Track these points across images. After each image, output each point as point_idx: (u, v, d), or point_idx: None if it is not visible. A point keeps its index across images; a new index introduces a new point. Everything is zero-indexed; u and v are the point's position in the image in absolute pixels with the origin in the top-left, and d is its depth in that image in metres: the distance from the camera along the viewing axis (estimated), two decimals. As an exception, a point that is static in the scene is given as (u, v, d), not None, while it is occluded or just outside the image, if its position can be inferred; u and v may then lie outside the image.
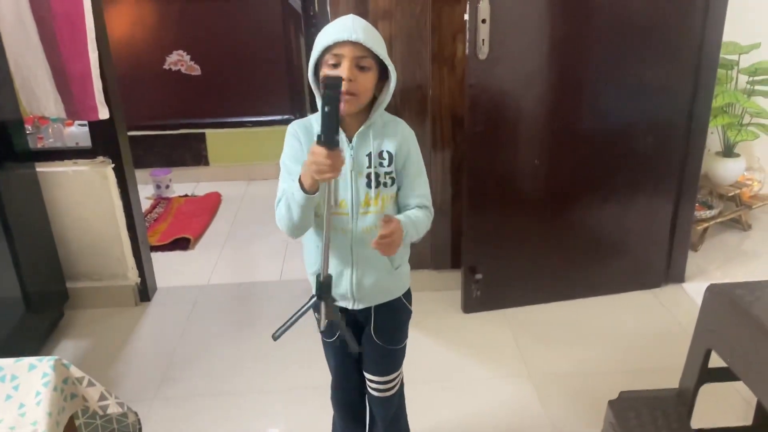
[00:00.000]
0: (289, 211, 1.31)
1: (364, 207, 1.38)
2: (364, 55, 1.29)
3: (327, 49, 1.29)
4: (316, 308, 1.34)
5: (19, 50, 2.25)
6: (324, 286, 1.32)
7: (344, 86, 1.25)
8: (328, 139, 1.17)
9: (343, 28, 1.28)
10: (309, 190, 1.25)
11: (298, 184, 1.26)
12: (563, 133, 2.42)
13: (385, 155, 1.38)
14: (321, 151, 1.17)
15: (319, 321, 1.36)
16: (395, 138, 1.39)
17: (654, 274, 2.71)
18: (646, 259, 2.68)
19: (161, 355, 2.39)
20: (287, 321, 1.36)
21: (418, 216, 1.40)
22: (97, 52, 2.25)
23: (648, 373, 2.17)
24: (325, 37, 1.30)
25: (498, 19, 2.15)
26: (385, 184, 1.39)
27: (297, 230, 1.37)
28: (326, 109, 1.16)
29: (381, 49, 1.31)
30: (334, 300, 1.35)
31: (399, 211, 1.44)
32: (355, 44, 1.27)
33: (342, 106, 1.26)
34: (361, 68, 1.30)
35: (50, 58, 2.26)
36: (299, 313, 1.35)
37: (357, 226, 1.39)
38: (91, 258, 2.63)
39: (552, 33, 2.28)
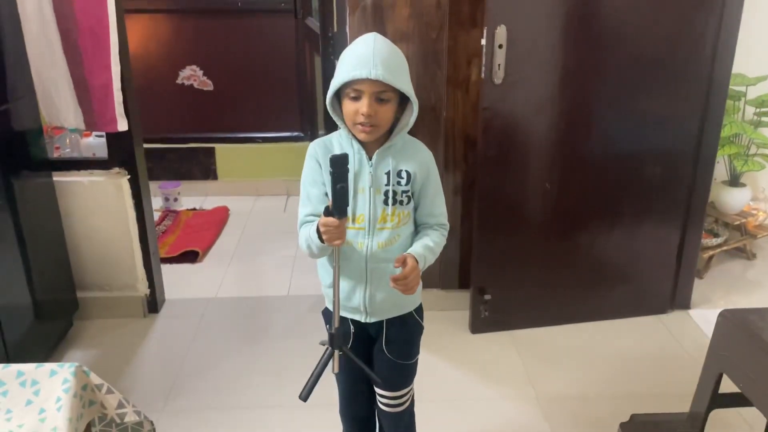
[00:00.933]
0: (310, 249, 1.40)
1: (381, 223, 1.42)
2: (384, 90, 1.31)
3: (347, 82, 1.32)
4: (329, 358, 1.39)
5: (42, 62, 2.29)
6: (336, 337, 1.36)
7: (364, 120, 1.32)
8: (338, 213, 1.25)
9: (363, 62, 1.29)
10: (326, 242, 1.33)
11: (316, 232, 1.33)
12: (573, 159, 2.45)
13: (404, 174, 1.42)
14: (332, 221, 1.25)
15: (333, 364, 1.40)
16: (414, 159, 1.43)
17: (660, 300, 2.73)
18: (652, 284, 2.70)
19: (169, 367, 2.40)
20: (310, 377, 1.42)
21: (435, 241, 1.45)
22: (119, 66, 2.29)
23: (653, 398, 2.18)
24: (345, 71, 1.32)
25: (514, 45, 2.20)
26: (401, 202, 1.43)
27: (318, 257, 1.47)
28: (338, 186, 1.22)
29: (401, 80, 1.33)
30: (348, 348, 1.41)
31: (416, 227, 1.48)
32: (374, 81, 1.29)
33: (362, 137, 1.36)
34: (381, 101, 1.33)
35: (73, 70, 2.30)
36: (320, 366, 1.41)
37: (372, 240, 1.42)
38: (103, 268, 2.65)
39: (566, 61, 2.32)
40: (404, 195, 1.42)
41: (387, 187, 1.41)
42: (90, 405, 1.39)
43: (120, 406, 1.42)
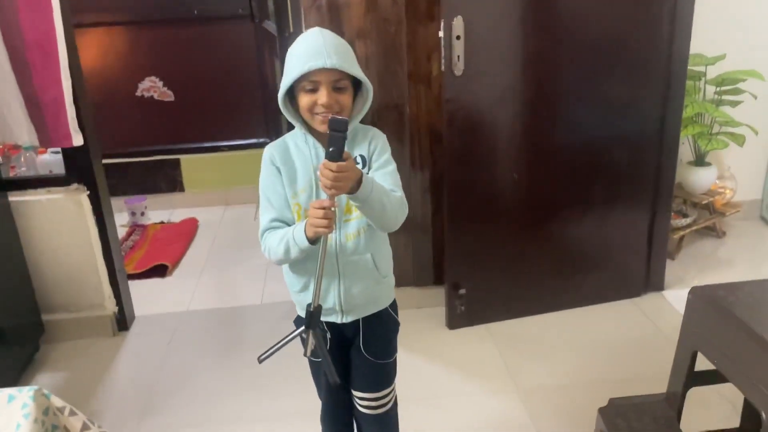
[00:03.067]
0: (287, 253, 1.36)
1: (346, 214, 1.40)
2: (339, 78, 1.31)
3: (301, 77, 1.29)
4: (303, 337, 1.34)
5: (-10, 79, 2.22)
6: (314, 316, 1.32)
7: (323, 109, 1.30)
8: (332, 156, 1.21)
9: (316, 53, 1.28)
10: (312, 240, 1.31)
11: (302, 233, 1.31)
12: (540, 147, 2.45)
13: (359, 159, 1.40)
14: (316, 204, 1.24)
15: (305, 346, 1.35)
16: (365, 141, 1.42)
17: (634, 283, 2.74)
18: (625, 268, 2.71)
19: (142, 386, 2.33)
20: (274, 345, 1.36)
21: (389, 191, 1.37)
22: (70, 80, 2.23)
23: (633, 382, 2.18)
24: (298, 64, 1.29)
25: (472, 35, 2.18)
26: None
27: (286, 263, 1.43)
28: (331, 149, 1.20)
29: (355, 67, 1.33)
30: (323, 330, 1.36)
31: None
32: (330, 69, 1.28)
33: (323, 127, 1.31)
34: (338, 89, 1.32)
35: (23, 86, 2.23)
36: (286, 339, 1.35)
37: (340, 234, 1.40)
38: (67, 288, 2.57)
39: (525, 49, 2.32)
40: None
41: None
42: (53, 430, 1.34)
43: (85, 427, 1.36)
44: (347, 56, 1.32)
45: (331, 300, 1.43)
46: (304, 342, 1.33)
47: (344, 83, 1.32)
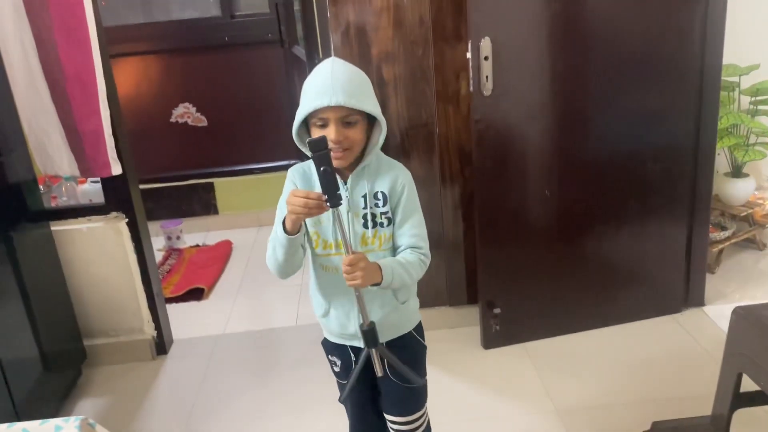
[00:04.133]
0: (274, 252, 1.37)
1: (363, 246, 1.40)
2: (348, 113, 1.30)
3: (312, 113, 1.31)
4: (369, 359, 1.36)
5: (32, 112, 2.30)
6: (368, 335, 1.33)
7: (335, 146, 1.30)
8: (332, 198, 1.23)
9: (322, 91, 1.28)
10: (290, 230, 1.31)
11: (281, 226, 1.32)
12: (571, 164, 2.43)
13: (380, 196, 1.40)
14: (299, 193, 1.24)
15: (375, 367, 1.37)
16: (388, 178, 1.41)
17: (673, 299, 2.69)
18: (663, 284, 2.66)
19: (181, 408, 2.36)
20: (348, 381, 1.43)
21: (407, 259, 1.39)
22: (108, 111, 2.29)
23: (675, 401, 2.13)
24: (306, 102, 1.31)
25: (500, 55, 2.18)
26: (381, 224, 1.41)
27: (283, 270, 1.41)
28: (321, 168, 1.21)
29: (365, 102, 1.31)
30: (383, 345, 1.36)
31: (394, 250, 1.44)
32: (337, 107, 1.28)
33: (337, 162, 1.32)
34: (348, 124, 1.32)
35: (63, 118, 2.31)
36: (357, 369, 1.40)
37: None
38: (107, 314, 2.63)
39: (553, 66, 2.31)
40: (383, 217, 1.40)
41: (365, 210, 1.39)
42: (98, 458, 1.36)
43: (128, 456, 1.38)
44: (357, 91, 1.30)
45: (352, 327, 1.44)
46: (373, 362, 1.36)
47: (354, 117, 1.31)
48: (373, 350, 1.34)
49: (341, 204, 1.25)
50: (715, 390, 1.53)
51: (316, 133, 1.33)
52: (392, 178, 1.40)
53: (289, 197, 1.26)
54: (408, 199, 1.41)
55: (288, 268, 1.39)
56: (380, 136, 1.37)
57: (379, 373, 1.38)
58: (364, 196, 1.39)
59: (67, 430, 1.31)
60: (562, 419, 2.13)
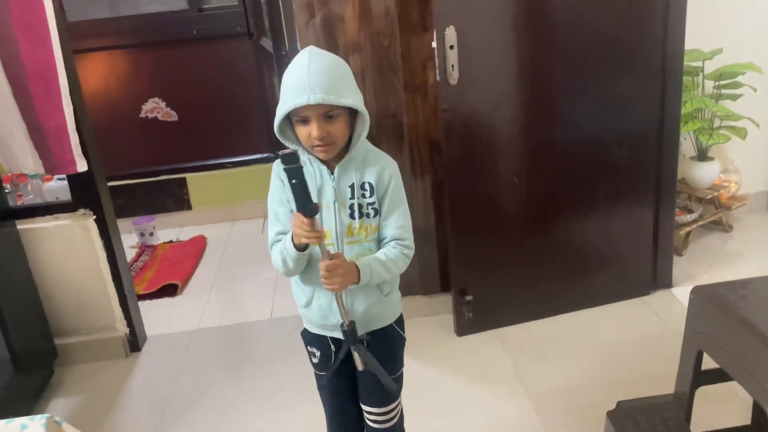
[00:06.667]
0: (285, 263, 1.39)
1: (349, 236, 1.41)
2: (329, 109, 1.30)
3: (292, 111, 1.31)
4: (349, 356, 1.41)
5: (-6, 110, 2.26)
6: (348, 333, 1.37)
7: (317, 142, 1.31)
8: (303, 209, 1.25)
9: (300, 89, 1.27)
10: (299, 247, 1.35)
11: (290, 241, 1.34)
12: (539, 151, 2.45)
13: (367, 186, 1.40)
14: (301, 218, 1.27)
15: (356, 362, 1.42)
16: (375, 170, 1.41)
17: (642, 282, 2.73)
18: (632, 267, 2.70)
19: (155, 405, 2.36)
20: (327, 372, 1.51)
21: (388, 255, 1.41)
22: (71, 107, 2.26)
23: (645, 382, 2.17)
24: (286, 99, 1.31)
25: (465, 44, 2.20)
26: (368, 215, 1.41)
27: (293, 273, 1.45)
28: (293, 181, 1.23)
29: (345, 96, 1.30)
30: (363, 343, 1.40)
31: (380, 240, 1.45)
32: (315, 105, 1.28)
33: (322, 156, 1.35)
34: (330, 117, 1.31)
35: (26, 116, 2.27)
36: (337, 362, 1.47)
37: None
38: (78, 312, 2.60)
39: (519, 54, 2.33)
40: (370, 207, 1.41)
41: (352, 201, 1.40)
42: (65, 456, 1.35)
43: (96, 453, 1.38)
44: (335, 86, 1.29)
45: (335, 317, 1.44)
46: (353, 359, 1.41)
47: (335, 111, 1.31)
48: (353, 347, 1.38)
49: (316, 214, 1.27)
50: (678, 369, 1.57)
51: (299, 129, 1.34)
52: (379, 170, 1.41)
53: (294, 221, 1.30)
54: (394, 191, 1.42)
55: (298, 270, 1.43)
56: (364, 126, 1.37)
57: (360, 367, 1.41)
58: (351, 187, 1.39)
59: (32, 428, 1.30)
60: (533, 402, 2.16)
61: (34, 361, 2.43)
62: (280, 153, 1.23)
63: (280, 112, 1.32)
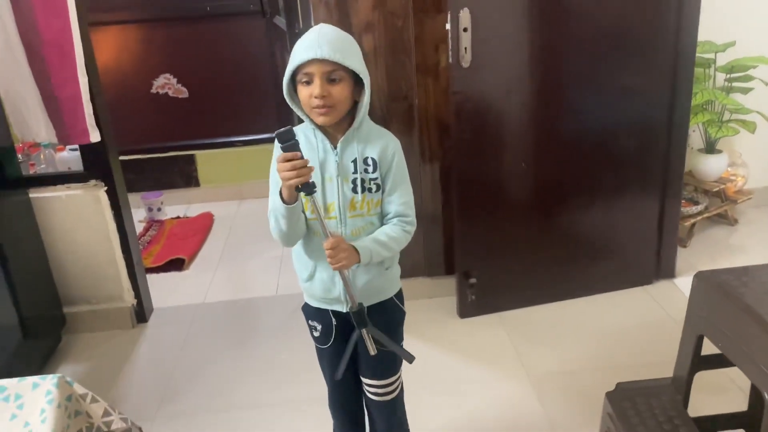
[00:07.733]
0: (278, 223, 1.39)
1: (351, 210, 1.42)
2: (333, 69, 1.32)
3: (298, 68, 1.33)
4: (361, 339, 1.43)
5: (9, 78, 2.27)
6: (358, 315, 1.39)
7: (319, 102, 1.32)
8: (305, 188, 1.28)
9: (309, 46, 1.31)
10: (287, 200, 1.33)
11: (278, 196, 1.34)
12: (548, 137, 2.47)
13: (370, 162, 1.42)
14: (284, 156, 1.27)
15: (367, 345, 1.43)
16: (379, 145, 1.43)
17: (645, 271, 2.75)
18: (636, 256, 2.72)
19: (161, 375, 2.40)
20: (342, 359, 1.50)
21: (389, 234, 1.43)
22: (86, 77, 2.28)
23: (643, 368, 2.19)
24: (294, 57, 1.34)
25: (479, 27, 2.20)
26: (370, 189, 1.43)
27: (288, 239, 1.44)
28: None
29: (350, 59, 1.33)
30: (372, 325, 1.42)
31: (383, 216, 1.47)
32: (322, 61, 1.30)
33: (321, 119, 1.36)
34: (333, 80, 1.33)
35: (40, 84, 2.29)
36: (350, 346, 1.48)
37: (346, 229, 1.42)
38: (87, 281, 2.64)
39: (532, 39, 2.33)
40: (372, 183, 1.42)
41: (354, 175, 1.41)
42: (76, 415, 1.39)
43: (106, 414, 1.42)
44: (343, 48, 1.32)
45: (336, 290, 1.47)
46: (363, 342, 1.42)
47: (339, 74, 1.33)
48: (364, 330, 1.40)
49: (315, 192, 1.29)
50: (677, 353, 1.59)
51: (302, 90, 1.35)
52: (383, 146, 1.43)
53: (278, 166, 1.28)
54: (398, 167, 1.44)
55: (293, 235, 1.42)
56: (365, 96, 1.38)
57: (372, 351, 1.43)
58: (354, 161, 1.41)
59: (44, 387, 1.34)
60: (533, 384, 2.19)
61: (43, 327, 2.47)
62: (276, 132, 1.26)
63: (288, 70, 1.35)
